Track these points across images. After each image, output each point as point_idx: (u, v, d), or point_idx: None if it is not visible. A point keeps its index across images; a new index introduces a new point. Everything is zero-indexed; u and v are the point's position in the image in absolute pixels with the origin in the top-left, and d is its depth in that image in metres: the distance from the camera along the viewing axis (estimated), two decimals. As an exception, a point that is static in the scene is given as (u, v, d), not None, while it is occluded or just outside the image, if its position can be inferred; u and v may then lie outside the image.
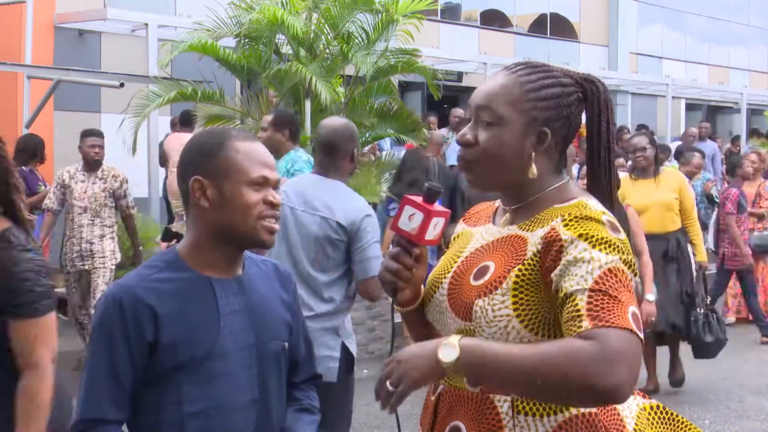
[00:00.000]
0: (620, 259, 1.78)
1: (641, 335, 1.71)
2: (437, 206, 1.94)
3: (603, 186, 1.98)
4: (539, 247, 1.83)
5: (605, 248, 1.77)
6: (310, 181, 4.08)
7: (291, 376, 2.35)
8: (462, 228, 2.14)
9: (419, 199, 1.94)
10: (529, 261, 1.84)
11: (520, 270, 1.84)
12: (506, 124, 1.89)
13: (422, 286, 2.05)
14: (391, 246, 2.02)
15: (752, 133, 17.30)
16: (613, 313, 1.70)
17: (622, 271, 1.77)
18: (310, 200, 3.93)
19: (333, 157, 3.99)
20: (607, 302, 1.72)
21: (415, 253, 1.96)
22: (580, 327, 1.70)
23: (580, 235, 1.78)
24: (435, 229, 1.93)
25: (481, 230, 2.05)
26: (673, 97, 18.13)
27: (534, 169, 1.90)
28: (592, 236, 1.78)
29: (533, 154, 1.90)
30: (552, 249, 1.80)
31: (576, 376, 1.65)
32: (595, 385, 1.65)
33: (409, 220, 1.93)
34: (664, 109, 18.22)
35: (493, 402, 1.86)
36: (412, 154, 8.98)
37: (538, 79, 1.91)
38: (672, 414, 2.03)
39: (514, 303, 1.82)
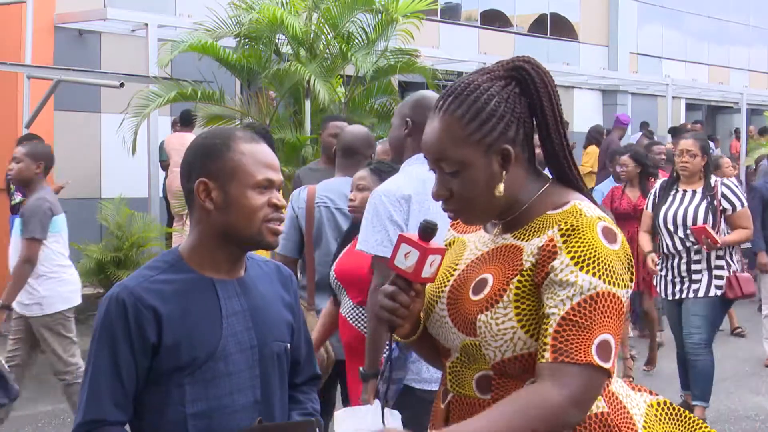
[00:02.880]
0: (607, 281, 1.76)
1: (605, 365, 1.73)
2: (433, 243, 1.90)
3: (566, 171, 1.94)
4: (537, 258, 1.82)
5: (593, 270, 1.76)
6: (341, 183, 4.46)
7: (292, 377, 2.35)
8: (452, 235, 2.12)
9: (415, 237, 1.90)
10: (528, 272, 1.83)
11: (519, 281, 1.83)
12: (469, 166, 1.86)
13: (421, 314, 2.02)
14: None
15: (763, 131, 17.22)
16: (576, 347, 1.73)
17: (605, 295, 1.76)
18: None
19: (353, 160, 4.44)
20: (573, 334, 1.73)
21: (412, 291, 1.92)
22: (543, 358, 1.75)
23: (569, 253, 1.77)
24: (431, 266, 1.89)
25: (473, 239, 2.03)
26: (673, 97, 18.11)
27: (500, 187, 1.86)
28: (582, 255, 1.77)
29: (504, 173, 1.87)
30: (546, 261, 1.80)
31: (545, 421, 1.71)
32: (560, 422, 1.73)
33: (405, 258, 1.89)
34: (664, 109, 18.21)
35: None
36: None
37: (470, 106, 1.85)
38: (679, 410, 2.04)
39: (517, 315, 1.82)
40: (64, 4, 11.01)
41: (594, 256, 1.77)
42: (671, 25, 22.07)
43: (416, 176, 3.40)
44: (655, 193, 6.22)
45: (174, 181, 10.08)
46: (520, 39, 18.09)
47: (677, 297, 6.01)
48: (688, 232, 5.90)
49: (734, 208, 5.97)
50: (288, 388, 2.33)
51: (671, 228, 5.97)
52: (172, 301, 2.11)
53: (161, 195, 10.55)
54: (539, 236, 1.84)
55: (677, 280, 6.00)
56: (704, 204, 5.92)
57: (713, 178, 6.02)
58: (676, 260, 5.99)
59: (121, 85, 8.94)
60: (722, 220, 5.97)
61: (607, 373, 1.75)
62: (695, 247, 5.90)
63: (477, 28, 17.66)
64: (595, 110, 18.92)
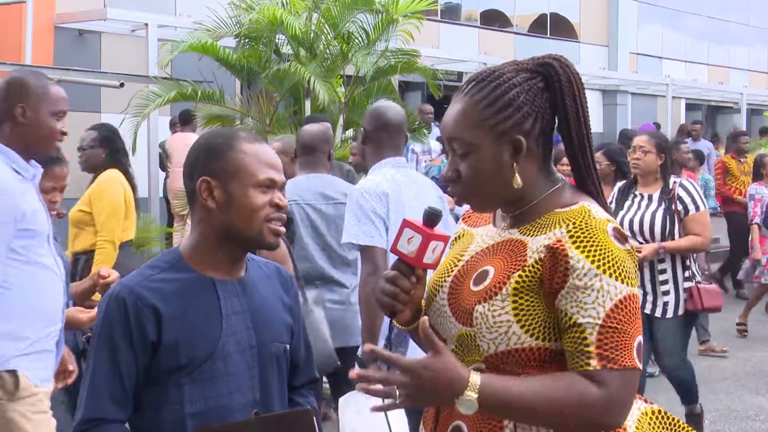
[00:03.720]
0: (629, 284, 1.79)
1: (641, 365, 1.79)
2: (437, 230, 1.92)
3: (583, 174, 1.94)
4: (542, 255, 1.82)
5: (615, 273, 1.78)
6: (310, 179, 4.67)
7: (291, 380, 2.35)
8: (462, 228, 2.13)
9: (419, 222, 1.93)
10: (530, 268, 1.83)
11: (520, 276, 1.83)
12: (478, 149, 1.87)
13: (422, 302, 2.03)
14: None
15: (763, 132, 17.20)
16: (621, 352, 1.77)
17: (632, 297, 1.79)
18: (324, 193, 4.55)
19: (312, 157, 4.68)
20: (616, 340, 1.77)
21: (413, 276, 1.94)
22: (588, 365, 1.76)
23: (588, 257, 1.77)
24: (434, 252, 1.91)
25: (481, 232, 2.04)
26: (673, 97, 18.14)
27: (518, 179, 1.87)
28: (601, 259, 1.78)
29: (515, 164, 1.87)
30: (558, 264, 1.80)
31: (585, 417, 1.77)
32: (601, 424, 1.80)
33: (408, 242, 1.91)
34: (664, 109, 18.23)
35: None
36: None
37: (489, 92, 1.87)
38: (674, 419, 2.03)
39: (514, 309, 1.82)
40: (64, 4, 11.02)
41: (612, 258, 1.79)
42: (671, 25, 22.09)
43: (390, 177, 3.71)
44: (613, 196, 5.67)
45: (174, 181, 10.08)
46: (520, 39, 18.10)
47: (643, 310, 5.36)
48: (647, 238, 5.36)
49: (687, 210, 5.38)
50: (287, 391, 2.33)
51: (628, 235, 5.31)
52: (172, 301, 2.11)
53: (161, 195, 10.55)
54: (545, 233, 1.84)
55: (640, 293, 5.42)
56: (661, 210, 5.39)
57: (672, 180, 5.46)
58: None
59: (121, 85, 8.95)
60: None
61: (640, 371, 1.80)
62: (658, 257, 5.36)
63: (477, 28, 17.68)
64: (595, 110, 18.93)
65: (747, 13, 23.90)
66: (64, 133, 3.17)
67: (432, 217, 1.92)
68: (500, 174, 1.88)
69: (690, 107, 21.75)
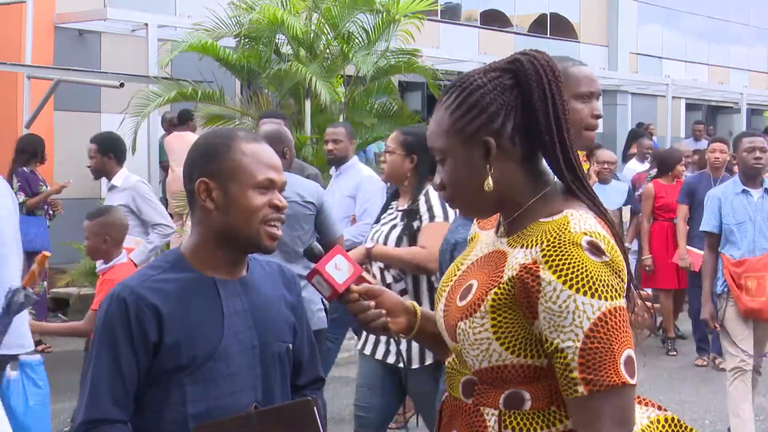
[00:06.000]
0: (608, 298, 1.72)
1: (633, 381, 1.74)
2: (321, 262, 2.05)
3: (561, 170, 1.85)
4: (515, 273, 1.77)
5: (590, 291, 1.71)
6: None
7: (294, 379, 2.34)
8: (474, 230, 2.12)
9: (312, 265, 2.07)
10: (505, 285, 1.79)
11: (495, 293, 1.80)
12: (450, 155, 1.87)
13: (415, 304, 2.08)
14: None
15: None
16: (605, 372, 1.71)
17: (612, 312, 1.72)
18: None
19: None
20: (598, 360, 1.71)
21: (350, 297, 2.05)
22: (576, 392, 1.73)
23: (560, 278, 1.71)
24: (338, 269, 2.05)
25: (484, 236, 2.02)
26: (673, 97, 18.11)
27: (489, 182, 1.82)
28: (574, 278, 1.71)
29: (488, 166, 1.83)
30: (530, 286, 1.75)
31: None
32: None
33: (325, 286, 2.06)
34: (664, 109, 18.20)
35: (483, 415, 1.85)
36: None
37: (457, 97, 1.86)
38: (687, 428, 1.97)
39: (492, 326, 1.80)
40: (64, 4, 11.02)
41: (586, 275, 1.72)
42: (671, 25, 22.08)
43: None
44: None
45: (173, 181, 10.07)
46: (520, 39, 18.09)
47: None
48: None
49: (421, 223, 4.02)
50: (291, 391, 2.32)
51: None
52: (174, 301, 2.11)
53: (161, 195, 10.54)
54: (525, 248, 1.79)
55: None
56: (400, 226, 4.07)
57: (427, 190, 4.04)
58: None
59: (121, 85, 8.95)
60: None
61: (634, 385, 1.75)
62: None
63: (477, 28, 17.67)
64: (595, 110, 18.86)
65: (747, 13, 23.87)
66: (598, 116, 2.65)
67: (313, 254, 2.08)
68: (475, 178, 1.84)
69: (690, 107, 21.72)
